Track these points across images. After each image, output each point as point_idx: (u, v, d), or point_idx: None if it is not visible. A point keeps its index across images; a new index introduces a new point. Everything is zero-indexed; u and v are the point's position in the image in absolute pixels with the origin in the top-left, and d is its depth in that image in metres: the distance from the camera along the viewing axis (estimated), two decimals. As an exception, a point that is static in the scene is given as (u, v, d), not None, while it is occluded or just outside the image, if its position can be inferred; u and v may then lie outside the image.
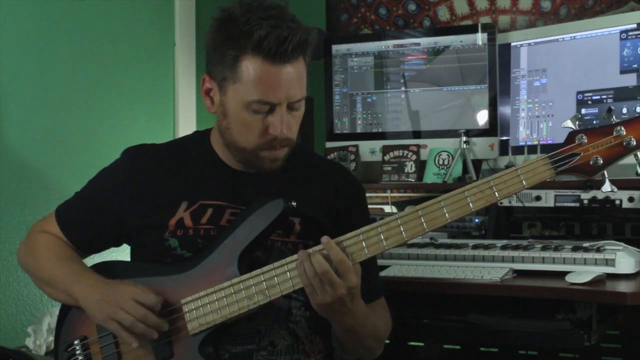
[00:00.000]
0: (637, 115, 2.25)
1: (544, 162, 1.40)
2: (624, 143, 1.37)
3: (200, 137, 1.68)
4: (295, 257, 1.44)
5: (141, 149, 1.68)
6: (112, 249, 1.72)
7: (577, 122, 1.41)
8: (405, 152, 2.69)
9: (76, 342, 1.57)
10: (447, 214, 1.40)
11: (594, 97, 2.41)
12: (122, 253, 1.76)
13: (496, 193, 1.40)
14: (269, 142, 1.51)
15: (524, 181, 1.39)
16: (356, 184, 1.73)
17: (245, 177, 1.60)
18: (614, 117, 1.41)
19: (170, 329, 1.50)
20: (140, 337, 1.48)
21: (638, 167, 1.42)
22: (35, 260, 1.67)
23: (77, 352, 1.56)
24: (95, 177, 1.70)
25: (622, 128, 1.38)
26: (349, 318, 1.47)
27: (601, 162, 1.38)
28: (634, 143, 1.37)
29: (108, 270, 1.60)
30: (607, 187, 1.41)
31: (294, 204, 1.49)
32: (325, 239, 1.40)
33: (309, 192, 1.62)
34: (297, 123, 1.55)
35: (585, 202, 2.17)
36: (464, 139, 2.57)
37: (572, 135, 1.41)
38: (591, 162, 1.38)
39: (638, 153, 1.40)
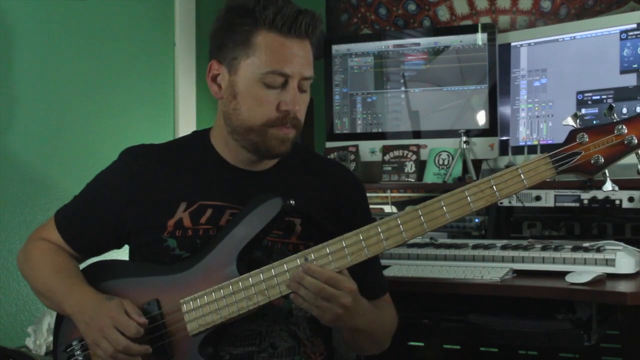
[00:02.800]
0: (638, 114, 2.25)
1: (545, 161, 1.38)
2: (625, 142, 1.36)
3: (199, 137, 1.67)
4: (294, 256, 1.43)
5: (139, 150, 1.67)
6: (113, 250, 1.72)
7: (577, 120, 1.39)
8: (405, 152, 2.69)
9: (75, 342, 1.56)
10: (447, 214, 1.40)
11: (594, 97, 2.41)
12: (121, 252, 1.76)
13: (497, 193, 1.39)
14: (280, 118, 1.52)
15: (524, 180, 1.38)
16: (357, 183, 1.72)
17: (245, 176, 1.59)
18: (614, 115, 1.39)
19: (169, 330, 1.50)
20: None
21: (639, 166, 1.40)
22: (31, 269, 1.66)
23: (77, 352, 1.56)
24: (94, 180, 1.69)
25: (624, 127, 1.36)
26: (356, 319, 1.46)
27: (602, 161, 1.37)
28: (636, 142, 1.35)
29: (106, 269, 1.60)
30: (608, 186, 1.39)
31: (292, 202, 1.48)
32: (305, 265, 1.39)
33: (310, 193, 1.61)
34: (304, 107, 1.57)
35: (585, 202, 2.17)
36: (464, 139, 2.57)
37: (573, 134, 1.39)
38: (592, 161, 1.37)
39: (639, 152, 1.38)
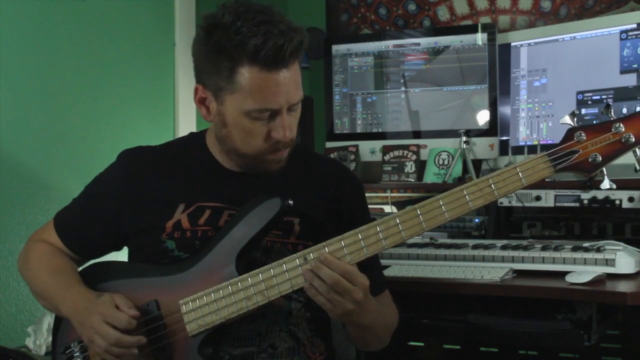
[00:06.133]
0: (635, 112, 2.25)
1: (542, 159, 1.38)
2: (623, 140, 1.35)
3: (196, 139, 1.67)
4: (293, 256, 1.43)
5: (137, 152, 1.67)
6: (112, 252, 1.72)
7: (575, 119, 1.39)
8: (405, 152, 2.69)
9: (74, 344, 1.56)
10: (446, 213, 1.39)
11: (594, 97, 2.41)
12: (120, 253, 1.76)
13: (495, 192, 1.38)
14: (273, 145, 1.50)
15: (523, 179, 1.37)
16: (356, 182, 1.71)
17: (242, 178, 1.59)
18: (612, 113, 1.39)
19: (169, 331, 1.50)
20: (120, 357, 1.46)
21: (637, 164, 1.40)
22: (29, 271, 1.66)
23: (75, 354, 1.56)
24: (92, 182, 1.69)
25: (621, 125, 1.36)
26: (365, 316, 1.47)
27: (600, 159, 1.36)
28: (633, 140, 1.35)
29: (104, 271, 1.60)
30: (606, 184, 1.39)
31: (290, 202, 1.48)
32: (322, 256, 1.39)
33: (309, 192, 1.61)
34: (296, 122, 1.54)
35: (585, 202, 2.17)
36: (464, 139, 2.57)
37: (570, 132, 1.39)
38: (590, 160, 1.37)
39: (637, 150, 1.37)
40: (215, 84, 1.48)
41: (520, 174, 1.38)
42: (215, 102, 1.51)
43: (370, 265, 1.52)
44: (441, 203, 1.39)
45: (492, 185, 1.38)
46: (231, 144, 1.53)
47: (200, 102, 1.54)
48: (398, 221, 1.40)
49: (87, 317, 1.47)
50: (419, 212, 1.40)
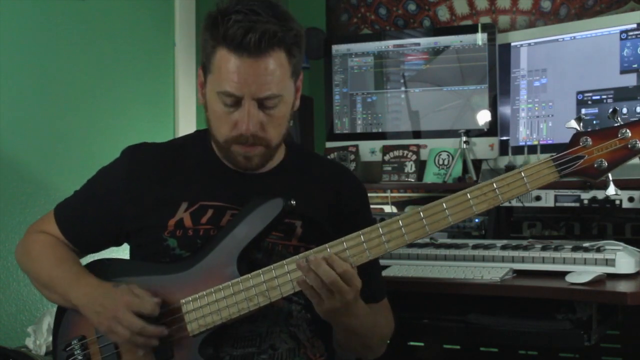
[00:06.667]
0: (638, 115, 2.26)
1: (548, 164, 1.37)
2: (629, 146, 1.34)
3: (201, 137, 1.67)
4: (295, 257, 1.43)
5: (141, 148, 1.66)
6: (112, 247, 1.72)
7: (581, 123, 1.38)
8: (405, 152, 2.69)
9: (74, 341, 1.56)
10: (449, 217, 1.39)
11: (594, 97, 2.41)
12: (121, 252, 1.76)
13: (499, 196, 1.37)
14: (236, 137, 1.50)
15: (527, 184, 1.37)
16: (359, 185, 1.71)
17: (246, 178, 1.59)
18: (619, 118, 1.38)
19: (169, 330, 1.49)
20: (141, 347, 1.47)
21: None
22: (32, 261, 1.65)
23: (76, 351, 1.56)
24: (95, 176, 1.68)
25: (628, 130, 1.34)
26: (352, 319, 1.47)
27: (606, 165, 1.35)
28: (639, 146, 1.34)
29: (106, 268, 1.60)
30: (611, 190, 1.38)
31: (293, 202, 1.48)
32: (323, 255, 1.39)
33: (311, 195, 1.60)
34: (274, 123, 1.51)
35: (585, 202, 2.17)
36: (464, 139, 2.57)
37: (576, 137, 1.37)
38: (595, 165, 1.35)
39: (643, 156, 1.36)
40: (205, 66, 1.52)
41: (525, 178, 1.37)
42: (205, 84, 1.54)
43: (372, 271, 1.52)
44: (445, 207, 1.39)
45: (497, 190, 1.38)
46: (211, 130, 1.55)
47: (200, 85, 1.57)
48: (401, 224, 1.40)
49: (107, 306, 1.47)
50: (422, 216, 1.40)
